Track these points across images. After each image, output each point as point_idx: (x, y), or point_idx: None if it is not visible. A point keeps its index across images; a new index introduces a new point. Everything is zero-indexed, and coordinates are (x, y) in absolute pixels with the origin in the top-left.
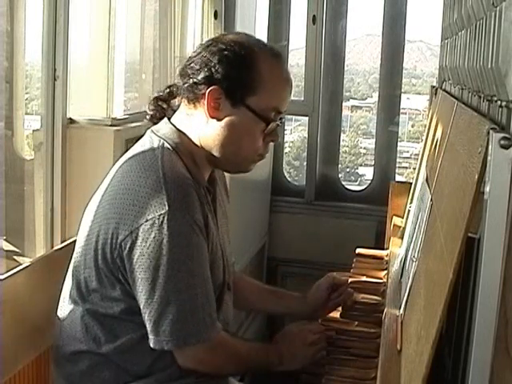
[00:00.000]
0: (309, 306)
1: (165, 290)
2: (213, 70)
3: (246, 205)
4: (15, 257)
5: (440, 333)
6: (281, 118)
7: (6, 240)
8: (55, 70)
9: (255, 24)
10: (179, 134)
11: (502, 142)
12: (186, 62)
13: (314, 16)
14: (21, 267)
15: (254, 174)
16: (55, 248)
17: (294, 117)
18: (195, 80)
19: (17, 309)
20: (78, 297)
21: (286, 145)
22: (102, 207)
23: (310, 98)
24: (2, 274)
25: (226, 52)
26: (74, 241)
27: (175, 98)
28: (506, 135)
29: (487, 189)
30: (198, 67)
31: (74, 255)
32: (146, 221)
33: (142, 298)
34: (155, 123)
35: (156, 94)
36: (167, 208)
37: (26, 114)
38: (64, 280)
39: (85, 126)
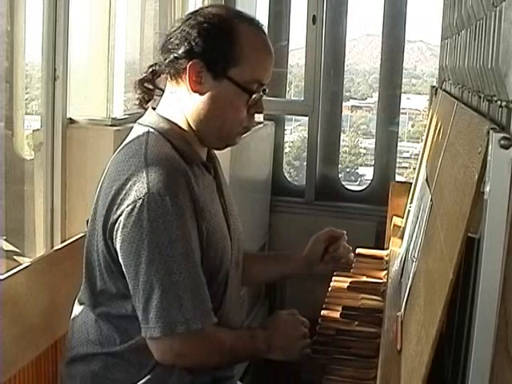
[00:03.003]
0: (306, 260)
1: (147, 275)
2: (193, 43)
3: (246, 205)
4: (15, 257)
5: (440, 333)
6: (264, 90)
7: (5, 240)
8: (55, 69)
9: None
10: (164, 119)
11: (502, 142)
12: (166, 37)
13: (314, 16)
14: (21, 267)
15: (254, 174)
16: (55, 248)
17: (294, 117)
18: (176, 55)
19: (17, 309)
20: (89, 299)
21: (286, 145)
22: (97, 207)
23: (310, 98)
24: (2, 274)
25: (205, 25)
26: (75, 241)
27: (159, 76)
28: (506, 135)
29: (487, 189)
30: (177, 42)
31: (84, 258)
32: (127, 206)
33: (129, 285)
34: (145, 109)
35: (140, 77)
36: (146, 190)
37: (26, 114)
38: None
39: (85, 126)
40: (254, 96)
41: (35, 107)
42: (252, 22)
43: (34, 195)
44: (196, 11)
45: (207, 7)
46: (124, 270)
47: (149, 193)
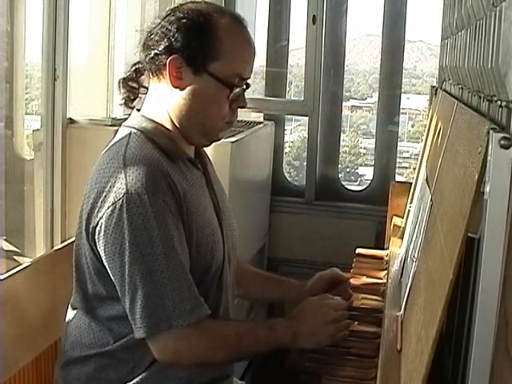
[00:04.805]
0: (305, 294)
1: (130, 276)
2: (172, 39)
3: (246, 205)
4: (15, 257)
5: (440, 333)
6: (247, 84)
7: (5, 240)
8: (55, 69)
9: (255, 24)
10: (148, 119)
11: (502, 142)
12: (146, 34)
13: (313, 16)
14: (21, 267)
15: (254, 174)
16: (55, 248)
17: (294, 117)
18: (156, 51)
19: (17, 309)
20: (81, 303)
21: (286, 145)
22: (82, 210)
23: (310, 98)
24: (2, 274)
25: (184, 20)
26: (74, 241)
27: (142, 74)
28: (506, 135)
29: (487, 189)
30: (157, 38)
31: (73, 262)
32: (108, 208)
33: (117, 287)
34: (131, 107)
35: (123, 76)
36: (125, 191)
37: (26, 114)
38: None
39: (85, 125)
40: (235, 90)
41: (35, 107)
42: (232, 16)
43: (34, 195)
44: (176, 7)
45: (187, 3)
46: (110, 272)
47: (127, 193)
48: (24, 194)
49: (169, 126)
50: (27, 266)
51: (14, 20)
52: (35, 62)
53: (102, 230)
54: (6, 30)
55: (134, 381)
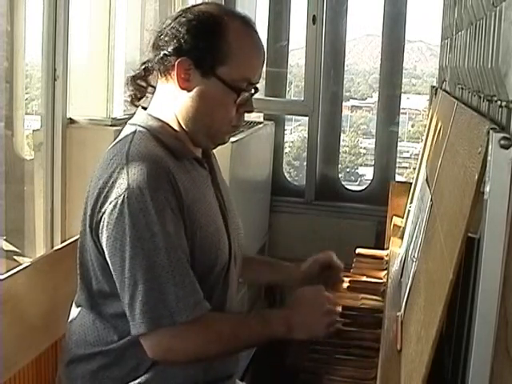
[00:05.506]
0: (299, 274)
1: (130, 271)
2: (182, 40)
3: (246, 205)
4: (15, 257)
5: (440, 333)
6: (255, 89)
7: (5, 240)
8: (55, 69)
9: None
10: (154, 118)
11: (502, 142)
12: (156, 34)
13: (313, 16)
14: (21, 267)
15: (254, 174)
16: (55, 248)
17: (294, 117)
18: (165, 52)
19: (17, 309)
20: (86, 301)
21: (286, 145)
22: (86, 207)
23: (310, 98)
24: (2, 274)
25: (194, 22)
26: (74, 241)
27: (151, 73)
28: (506, 135)
29: (487, 189)
30: (167, 39)
31: (78, 259)
32: (110, 203)
33: (116, 283)
34: (137, 106)
35: (132, 73)
36: (127, 186)
37: (26, 114)
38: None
39: (85, 125)
40: (242, 95)
41: (35, 107)
42: (242, 20)
43: (34, 195)
44: (187, 8)
45: (199, 5)
46: (111, 267)
47: (129, 188)
48: (24, 194)
49: (175, 126)
50: (27, 266)
51: (14, 20)
52: (35, 61)
53: (105, 226)
54: (6, 30)
55: (139, 379)
